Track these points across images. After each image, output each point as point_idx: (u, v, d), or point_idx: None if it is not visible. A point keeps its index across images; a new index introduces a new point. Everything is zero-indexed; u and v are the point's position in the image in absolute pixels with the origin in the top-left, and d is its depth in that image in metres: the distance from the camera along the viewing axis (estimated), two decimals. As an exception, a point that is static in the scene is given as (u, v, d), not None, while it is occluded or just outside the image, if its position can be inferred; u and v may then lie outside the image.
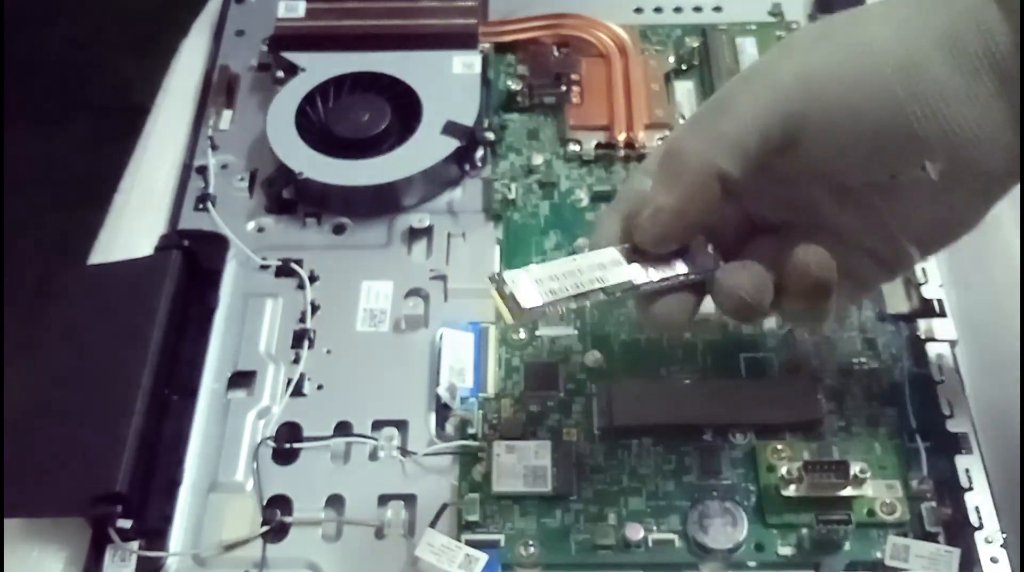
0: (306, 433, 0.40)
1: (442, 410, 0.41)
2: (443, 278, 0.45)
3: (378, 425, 0.41)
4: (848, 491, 0.37)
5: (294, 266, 0.45)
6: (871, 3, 0.36)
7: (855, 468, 0.37)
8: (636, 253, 0.32)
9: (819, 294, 0.32)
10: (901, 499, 0.37)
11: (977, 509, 0.37)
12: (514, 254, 0.45)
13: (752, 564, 0.37)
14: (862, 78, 0.31)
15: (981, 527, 0.37)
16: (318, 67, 0.51)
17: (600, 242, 0.33)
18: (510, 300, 0.31)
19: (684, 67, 0.53)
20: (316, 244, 0.46)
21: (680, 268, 0.32)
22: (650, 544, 0.37)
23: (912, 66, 0.31)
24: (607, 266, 0.32)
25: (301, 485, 0.39)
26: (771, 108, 0.31)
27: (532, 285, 0.31)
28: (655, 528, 0.37)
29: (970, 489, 0.38)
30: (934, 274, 0.43)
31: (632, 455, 0.39)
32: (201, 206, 0.48)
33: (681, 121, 0.49)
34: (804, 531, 0.37)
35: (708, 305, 0.43)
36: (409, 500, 0.39)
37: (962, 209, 0.34)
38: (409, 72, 0.50)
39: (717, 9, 0.55)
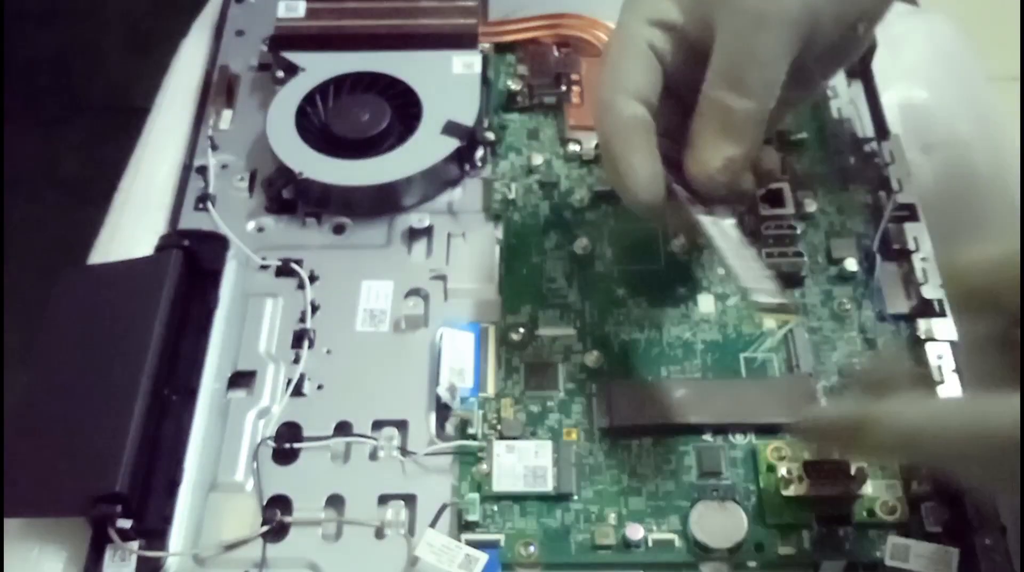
0: (306, 433, 0.41)
1: (442, 410, 0.41)
2: (443, 278, 0.45)
3: (378, 425, 0.41)
4: (848, 491, 0.37)
5: (294, 266, 0.45)
6: None
7: (855, 468, 0.37)
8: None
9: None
10: (901, 499, 0.37)
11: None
12: (514, 254, 0.45)
13: (752, 564, 0.37)
14: None
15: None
16: (318, 67, 0.51)
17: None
18: None
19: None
20: (316, 244, 0.46)
21: None
22: (650, 544, 0.37)
23: None
24: None
25: (301, 485, 0.39)
26: None
27: None
28: (655, 528, 0.37)
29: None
30: (934, 274, 0.43)
31: (632, 455, 0.39)
32: (201, 206, 0.48)
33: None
34: (804, 531, 0.37)
35: (708, 306, 0.44)
36: (409, 500, 0.39)
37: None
38: (409, 72, 0.50)
39: (717, 9, 0.55)
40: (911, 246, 0.44)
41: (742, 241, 0.37)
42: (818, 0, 0.36)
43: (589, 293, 0.44)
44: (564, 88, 0.51)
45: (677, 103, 0.38)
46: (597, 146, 0.49)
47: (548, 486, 0.38)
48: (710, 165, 0.37)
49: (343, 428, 0.41)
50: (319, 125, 0.49)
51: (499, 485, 0.38)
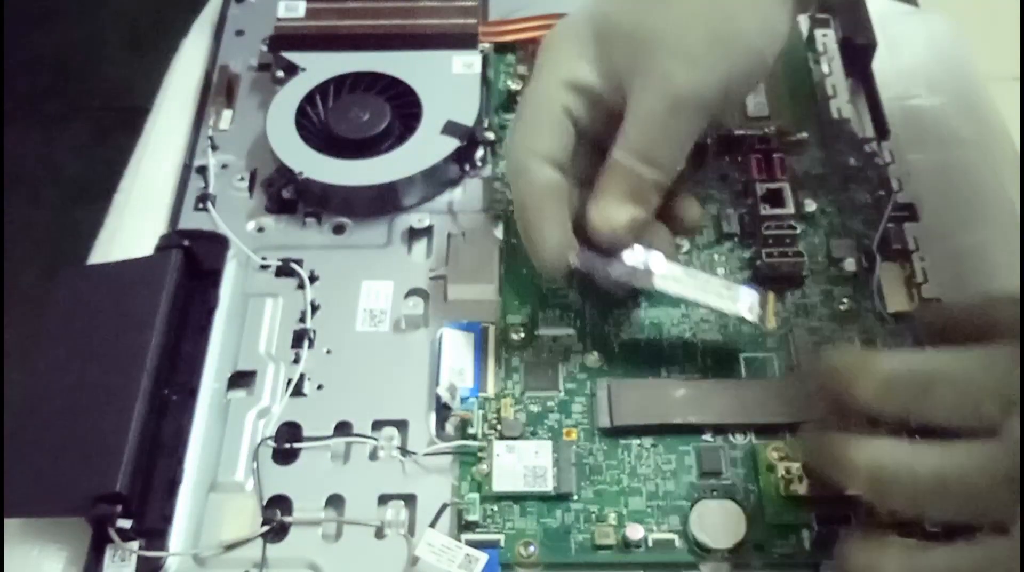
0: (306, 433, 0.41)
1: (442, 410, 0.41)
2: (443, 278, 0.45)
3: (378, 425, 0.41)
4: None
5: (294, 266, 0.45)
6: None
7: None
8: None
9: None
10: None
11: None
12: (514, 254, 0.45)
13: (752, 564, 0.37)
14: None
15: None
16: (318, 67, 0.51)
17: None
18: None
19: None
20: (316, 244, 0.46)
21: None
22: (650, 544, 0.37)
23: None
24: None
25: (301, 485, 0.39)
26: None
27: None
28: (655, 528, 0.37)
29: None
30: (934, 274, 0.43)
31: (632, 455, 0.39)
32: (201, 206, 0.48)
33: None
34: (804, 531, 0.37)
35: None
36: (409, 500, 0.39)
37: None
38: (409, 72, 0.50)
39: (717, 9, 0.55)
40: (911, 246, 0.44)
41: (687, 272, 0.40)
42: (729, 81, 0.38)
43: (589, 293, 0.44)
44: (564, 88, 0.51)
45: (590, 150, 0.40)
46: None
47: (548, 486, 0.38)
48: (615, 222, 0.39)
49: (343, 428, 0.41)
50: (319, 125, 0.49)
51: (499, 485, 0.38)
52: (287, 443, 0.40)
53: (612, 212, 0.39)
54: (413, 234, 0.46)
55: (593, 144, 0.40)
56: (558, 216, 0.39)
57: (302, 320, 0.44)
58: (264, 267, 0.45)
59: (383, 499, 0.39)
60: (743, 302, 0.40)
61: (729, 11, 0.37)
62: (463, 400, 0.40)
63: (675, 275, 0.40)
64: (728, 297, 0.40)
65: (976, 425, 0.31)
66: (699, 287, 0.40)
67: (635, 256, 0.40)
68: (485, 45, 0.52)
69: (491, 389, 0.41)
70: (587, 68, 0.39)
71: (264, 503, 0.39)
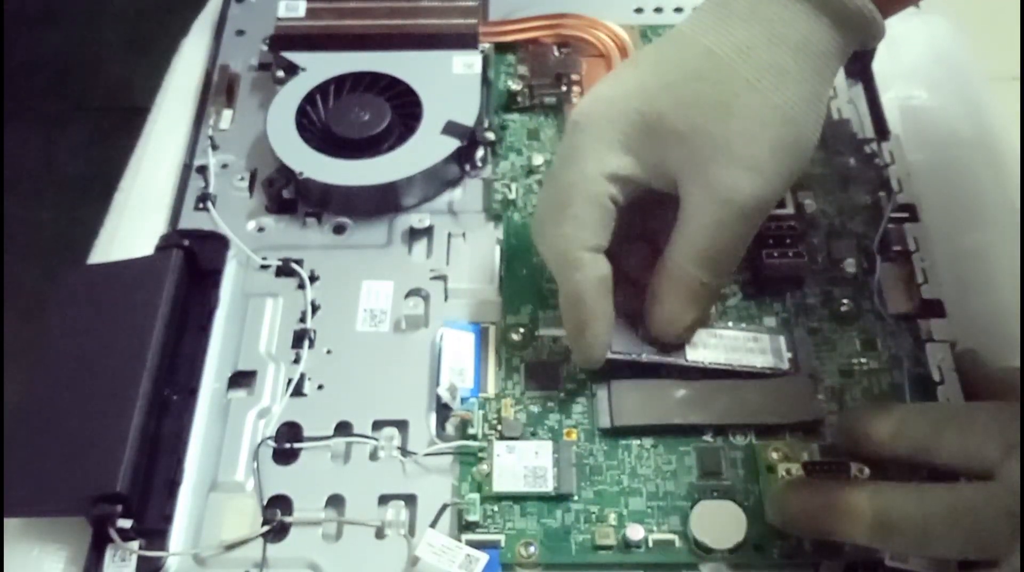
0: (306, 433, 0.41)
1: (442, 410, 0.41)
2: (443, 278, 0.45)
3: (378, 425, 0.41)
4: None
5: (294, 266, 0.45)
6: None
7: (855, 468, 0.37)
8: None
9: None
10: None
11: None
12: (514, 254, 0.46)
13: (752, 564, 0.37)
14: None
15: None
16: (318, 67, 0.51)
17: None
18: None
19: (684, 67, 0.53)
20: (316, 244, 0.46)
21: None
22: (650, 544, 0.37)
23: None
24: None
25: (301, 485, 0.39)
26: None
27: None
28: (655, 528, 0.37)
29: None
30: (934, 274, 0.43)
31: (632, 455, 0.39)
32: (201, 206, 0.48)
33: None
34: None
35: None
36: (409, 500, 0.39)
37: None
38: (409, 72, 0.50)
39: (717, 9, 0.55)
40: (911, 246, 0.44)
41: (711, 333, 0.41)
42: (791, 180, 0.38)
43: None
44: (564, 88, 0.51)
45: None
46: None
47: (548, 486, 0.38)
48: (679, 326, 0.40)
49: (343, 428, 0.41)
50: (319, 125, 0.49)
51: (499, 485, 0.38)
52: (287, 443, 0.40)
53: (676, 317, 0.39)
54: (413, 234, 0.46)
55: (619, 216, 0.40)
56: (608, 311, 0.39)
57: (302, 320, 0.44)
58: (264, 267, 0.45)
59: (383, 499, 0.39)
60: (771, 352, 0.41)
61: (790, 115, 0.37)
62: (463, 400, 0.40)
63: (704, 342, 0.41)
64: (758, 349, 0.41)
65: (977, 468, 0.33)
66: (728, 348, 0.41)
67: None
68: (485, 45, 0.52)
69: (491, 389, 0.41)
70: (631, 162, 0.38)
71: (264, 503, 0.39)
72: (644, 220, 0.41)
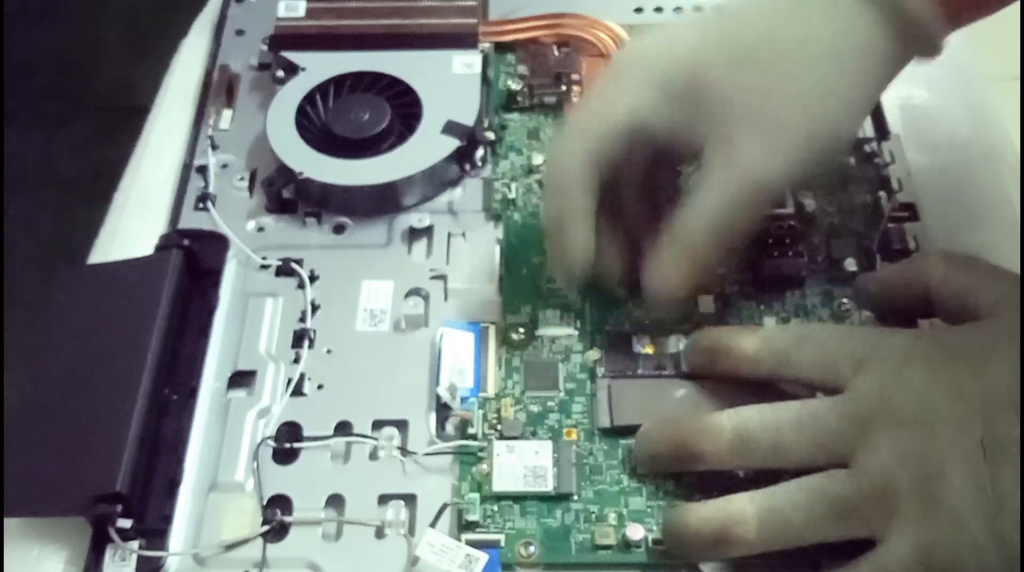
0: (306, 433, 0.40)
1: (442, 410, 0.41)
2: (443, 278, 0.45)
3: (378, 425, 0.41)
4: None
5: (294, 266, 0.45)
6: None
7: None
8: None
9: None
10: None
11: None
12: (514, 254, 0.46)
13: (752, 564, 0.37)
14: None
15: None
16: (318, 67, 0.51)
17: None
18: None
19: (684, 67, 0.53)
20: (316, 244, 0.46)
21: None
22: (650, 544, 0.37)
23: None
24: None
25: (301, 485, 0.39)
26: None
27: None
28: (655, 528, 0.37)
29: None
30: (934, 274, 0.43)
31: (632, 455, 0.39)
32: (201, 206, 0.48)
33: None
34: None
35: (707, 305, 0.44)
36: (409, 500, 0.39)
37: None
38: (409, 72, 0.50)
39: (717, 9, 0.55)
40: (911, 246, 0.44)
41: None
42: (812, 169, 0.38)
43: (589, 293, 0.44)
44: (564, 88, 0.51)
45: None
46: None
47: (548, 486, 0.38)
48: (672, 288, 0.40)
49: (343, 428, 0.41)
50: (319, 125, 0.49)
51: (499, 485, 0.38)
52: (287, 443, 0.40)
53: (672, 278, 0.39)
54: (413, 234, 0.46)
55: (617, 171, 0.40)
56: (589, 220, 0.39)
57: (302, 320, 0.44)
58: (264, 267, 0.45)
59: (383, 499, 0.39)
60: None
61: (833, 112, 0.37)
62: (463, 400, 0.40)
63: None
64: None
65: (831, 383, 0.36)
66: None
67: None
68: (485, 45, 0.52)
69: (491, 389, 0.41)
70: (664, 113, 0.38)
71: (264, 503, 0.39)
72: (645, 178, 0.42)
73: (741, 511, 0.35)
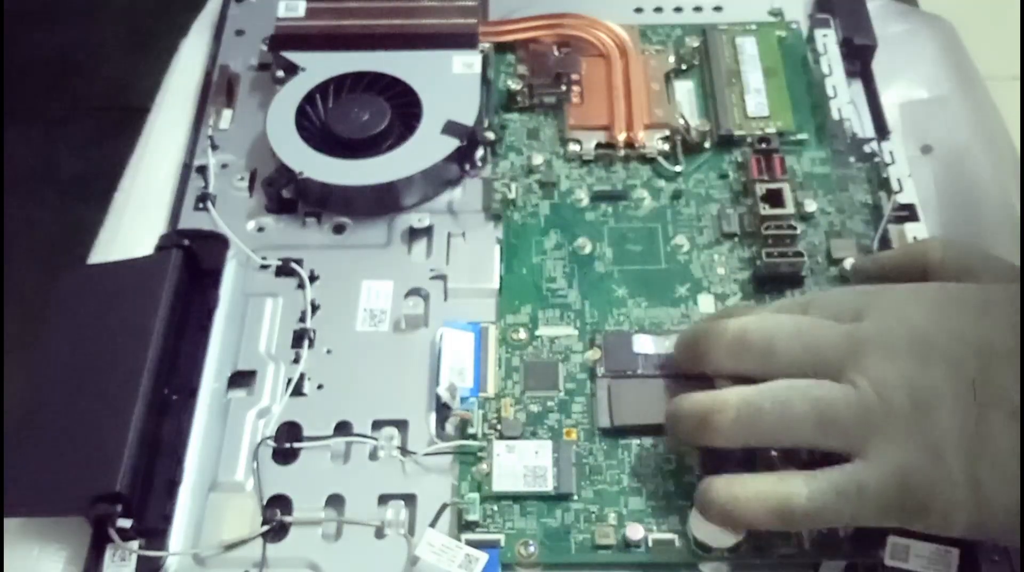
0: (306, 433, 0.41)
1: (442, 410, 0.41)
2: (443, 278, 0.45)
3: (378, 425, 0.41)
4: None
5: (294, 266, 0.45)
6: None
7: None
8: None
9: None
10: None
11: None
12: (514, 254, 0.46)
13: (752, 564, 0.37)
14: None
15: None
16: (318, 67, 0.51)
17: None
18: None
19: (684, 67, 0.53)
20: (316, 244, 0.46)
21: None
22: (650, 544, 0.37)
23: None
24: None
25: (301, 485, 0.39)
26: None
27: None
28: (655, 528, 0.37)
29: None
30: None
31: (632, 455, 0.39)
32: (201, 206, 0.48)
33: (681, 121, 0.49)
34: (804, 531, 0.37)
35: (708, 305, 0.44)
36: (409, 500, 0.39)
37: None
38: (409, 72, 0.50)
39: (717, 9, 0.55)
40: (911, 246, 0.44)
41: None
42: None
43: (589, 293, 0.44)
44: (564, 88, 0.51)
45: None
46: (597, 146, 0.49)
47: (548, 486, 0.38)
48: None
49: (343, 428, 0.41)
50: (319, 125, 0.49)
51: (499, 485, 0.38)
52: (287, 443, 0.40)
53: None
54: (413, 234, 0.46)
55: None
56: None
57: (302, 320, 0.44)
58: (264, 267, 0.45)
59: (383, 499, 0.39)
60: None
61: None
62: (463, 400, 0.40)
63: None
64: None
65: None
66: None
67: None
68: (485, 45, 0.52)
69: (491, 389, 0.41)
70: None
71: (264, 503, 0.39)
72: None
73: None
